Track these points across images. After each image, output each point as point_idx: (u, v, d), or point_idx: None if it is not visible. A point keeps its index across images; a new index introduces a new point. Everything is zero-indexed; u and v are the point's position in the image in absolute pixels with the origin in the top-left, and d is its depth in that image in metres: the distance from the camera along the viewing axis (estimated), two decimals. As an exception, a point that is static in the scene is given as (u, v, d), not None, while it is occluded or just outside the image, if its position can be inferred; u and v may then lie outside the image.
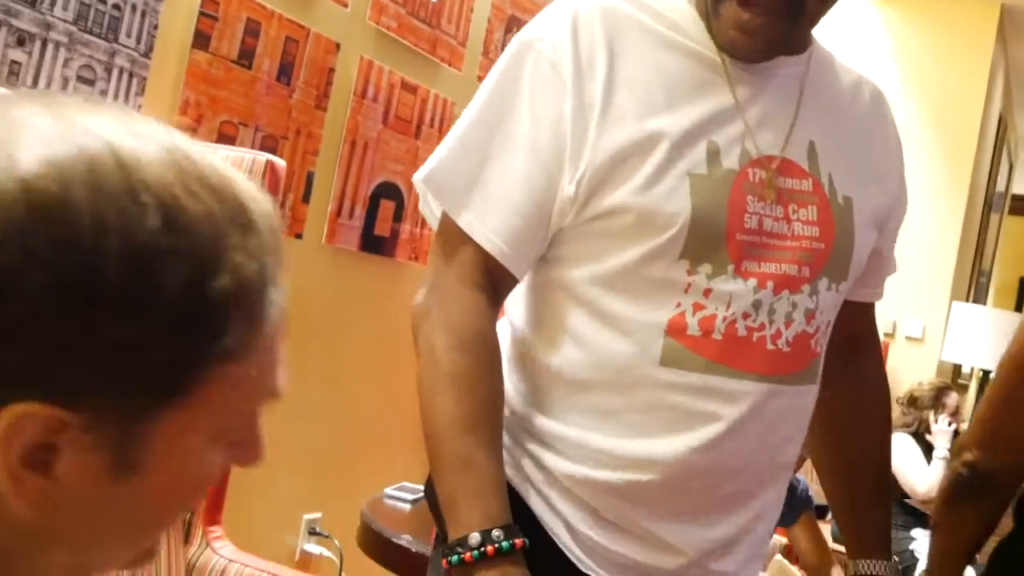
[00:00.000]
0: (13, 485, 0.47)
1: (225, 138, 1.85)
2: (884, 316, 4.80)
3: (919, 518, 3.33)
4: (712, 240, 0.94)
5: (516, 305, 1.05)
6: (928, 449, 3.56)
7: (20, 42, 1.50)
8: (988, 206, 5.55)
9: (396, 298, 2.37)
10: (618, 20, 0.99)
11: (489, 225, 0.96)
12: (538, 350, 1.00)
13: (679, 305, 0.94)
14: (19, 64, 1.50)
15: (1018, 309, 8.83)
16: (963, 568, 1.26)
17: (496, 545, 0.89)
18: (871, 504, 1.17)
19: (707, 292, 0.94)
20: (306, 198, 2.07)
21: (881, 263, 1.14)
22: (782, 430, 1.00)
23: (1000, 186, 6.22)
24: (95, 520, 0.51)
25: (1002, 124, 5.52)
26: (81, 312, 0.45)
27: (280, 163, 1.64)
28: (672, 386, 0.94)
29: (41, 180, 0.44)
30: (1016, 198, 7.80)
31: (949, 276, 4.56)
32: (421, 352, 0.96)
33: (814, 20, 1.00)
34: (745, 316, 0.95)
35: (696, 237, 0.94)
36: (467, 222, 0.96)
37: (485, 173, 0.97)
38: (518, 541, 0.91)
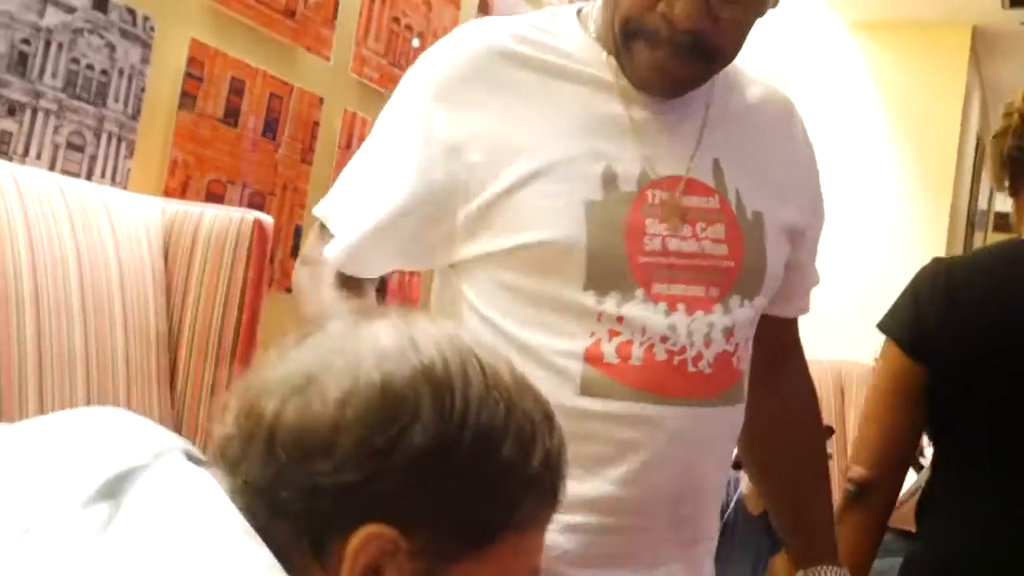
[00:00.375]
0: None
1: (213, 196, 1.88)
2: (873, 340, 4.82)
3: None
4: (614, 266, 0.95)
5: None
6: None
7: (11, 111, 1.53)
8: (971, 225, 5.61)
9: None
10: (507, 55, 1.00)
11: (341, 247, 1.02)
12: None
13: (594, 334, 0.94)
14: (10, 134, 1.53)
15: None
16: (867, 570, 1.44)
17: None
18: (812, 510, 1.17)
19: (619, 319, 0.94)
20: (294, 252, 2.10)
21: (801, 277, 1.14)
22: (712, 452, 1.00)
23: (982, 204, 6.28)
24: None
25: (980, 144, 5.59)
26: (442, 465, 0.60)
27: (268, 220, 1.67)
28: (594, 416, 0.93)
29: (436, 367, 0.61)
30: (1000, 215, 7.87)
31: (936, 296, 4.60)
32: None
33: (730, 60, 1.01)
34: (663, 340, 0.95)
35: (597, 265, 0.94)
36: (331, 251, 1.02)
37: (364, 200, 1.02)
38: None
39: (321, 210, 1.07)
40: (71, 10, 1.59)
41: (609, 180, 0.96)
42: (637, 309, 0.94)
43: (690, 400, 0.96)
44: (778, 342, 1.16)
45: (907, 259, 4.50)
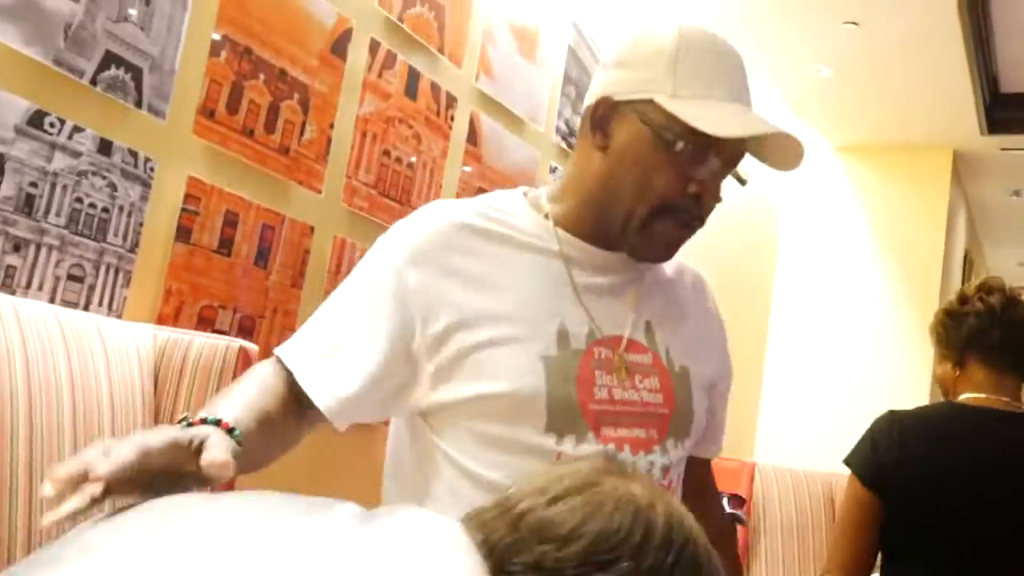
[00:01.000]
0: None
1: (204, 321, 1.99)
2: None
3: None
4: (570, 413, 1.09)
5: (399, 482, 1.18)
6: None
7: (16, 248, 1.65)
8: (961, 339, 5.69)
9: (376, 458, 2.46)
10: (471, 228, 1.15)
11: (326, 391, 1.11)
12: None
13: None
14: (14, 268, 1.65)
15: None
16: None
17: (204, 417, 0.90)
18: None
19: (575, 459, 1.06)
20: (283, 371, 2.20)
21: (716, 424, 1.30)
22: None
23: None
24: None
25: (968, 259, 5.72)
26: None
27: (253, 348, 1.77)
28: None
29: (667, 530, 0.76)
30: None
31: (924, 411, 4.66)
32: None
33: None
34: None
35: (556, 412, 1.08)
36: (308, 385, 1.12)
37: (333, 351, 1.13)
38: (226, 422, 0.91)
39: (289, 356, 1.17)
40: (77, 155, 1.73)
41: (562, 338, 1.11)
42: (590, 449, 1.08)
43: None
44: (700, 481, 1.31)
45: (897, 374, 4.59)
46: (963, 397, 1.89)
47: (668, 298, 1.23)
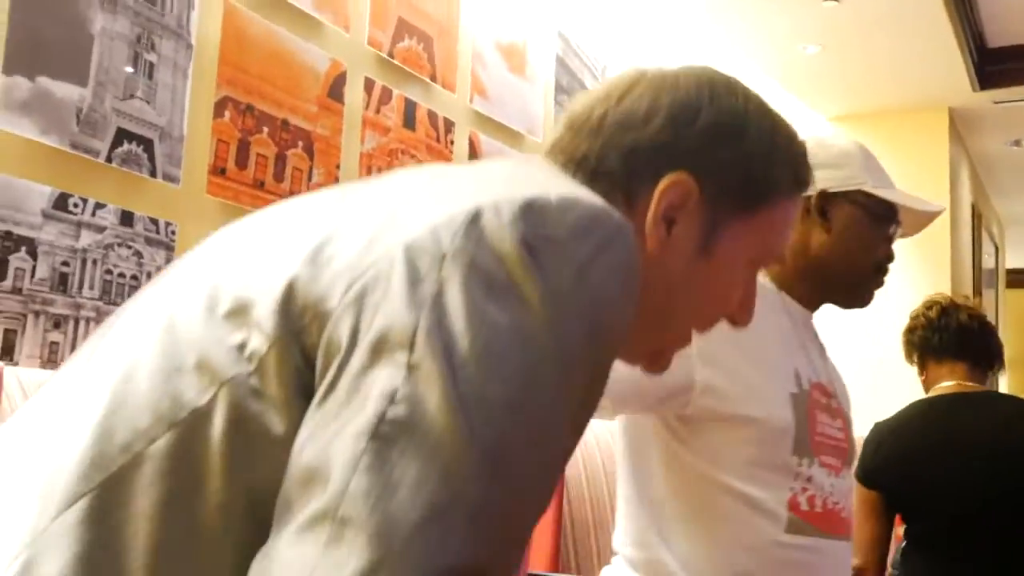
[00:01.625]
0: (653, 228, 0.79)
1: (238, 369, 2.09)
2: (881, 414, 4.90)
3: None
4: (805, 440, 1.32)
5: (648, 507, 1.34)
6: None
7: (56, 325, 1.75)
8: (978, 291, 5.73)
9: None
10: None
11: None
12: (678, 533, 1.31)
13: (792, 488, 1.31)
14: (57, 344, 1.76)
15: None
16: None
17: None
18: None
19: (808, 478, 1.32)
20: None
21: None
22: (843, 572, 1.42)
23: (988, 264, 6.40)
24: (673, 281, 0.80)
25: (976, 212, 5.76)
26: (731, 131, 0.82)
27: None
28: (793, 547, 1.30)
29: (728, 79, 0.85)
30: (1012, 272, 7.97)
31: (945, 367, 4.71)
32: None
33: None
34: (830, 494, 1.35)
35: (799, 439, 1.31)
36: None
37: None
38: None
39: None
40: (102, 229, 1.83)
41: (798, 378, 1.36)
42: (816, 472, 1.34)
43: (840, 536, 1.37)
44: None
45: (911, 335, 4.63)
46: (931, 393, 2.32)
47: (817, 346, 1.51)
